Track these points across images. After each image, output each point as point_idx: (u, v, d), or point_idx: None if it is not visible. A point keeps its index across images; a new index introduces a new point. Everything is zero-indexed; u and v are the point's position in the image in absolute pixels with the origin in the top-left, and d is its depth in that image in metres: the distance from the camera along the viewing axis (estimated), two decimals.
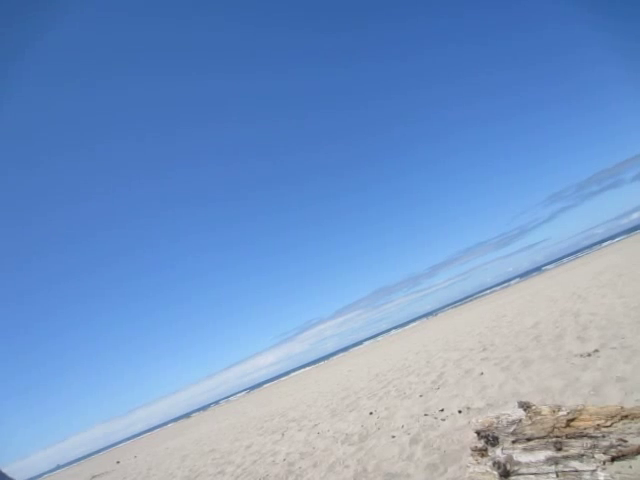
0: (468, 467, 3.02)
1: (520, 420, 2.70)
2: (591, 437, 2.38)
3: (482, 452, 2.90)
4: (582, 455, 2.38)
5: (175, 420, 72.64)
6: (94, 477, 16.44)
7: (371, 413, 6.97)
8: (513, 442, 2.70)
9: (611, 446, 2.30)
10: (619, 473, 2.23)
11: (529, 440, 2.62)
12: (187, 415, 70.14)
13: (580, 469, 2.37)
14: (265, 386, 56.37)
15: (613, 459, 2.28)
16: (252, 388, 78.06)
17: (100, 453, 56.05)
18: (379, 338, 62.25)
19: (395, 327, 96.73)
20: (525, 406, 2.75)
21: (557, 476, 2.45)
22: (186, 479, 8.07)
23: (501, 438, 2.78)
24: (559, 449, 2.47)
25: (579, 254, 67.64)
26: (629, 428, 2.29)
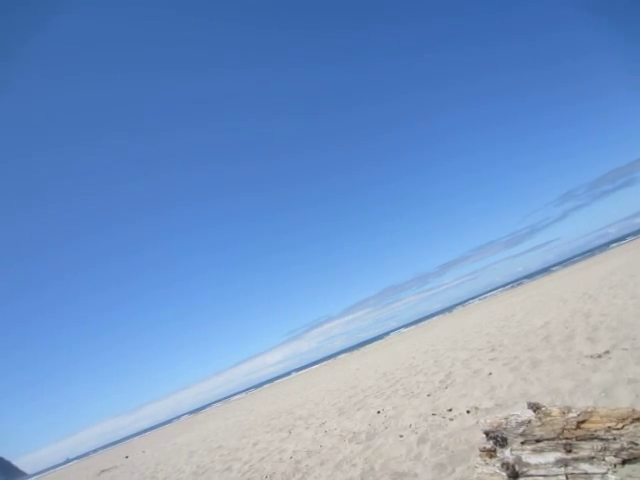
0: (476, 468, 3.00)
1: (529, 421, 2.68)
2: (602, 439, 2.35)
3: (491, 453, 2.88)
4: (592, 457, 2.35)
5: (183, 416, 73.23)
6: (103, 471, 16.62)
7: (379, 412, 6.96)
8: (522, 443, 2.68)
9: (622, 449, 2.26)
10: (630, 476, 2.20)
11: (538, 441, 2.60)
12: (195, 412, 70.66)
13: (590, 472, 2.34)
14: (272, 384, 56.55)
15: (624, 462, 2.25)
16: (259, 386, 78.37)
17: (109, 448, 56.64)
18: (387, 337, 62.12)
19: (403, 326, 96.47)
20: (534, 407, 2.73)
21: (567, 478, 2.42)
22: (194, 475, 8.12)
23: (510, 439, 2.76)
24: (569, 451, 2.44)
25: (590, 254, 66.86)
26: None
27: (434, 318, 60.27)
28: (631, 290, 9.38)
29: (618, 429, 2.31)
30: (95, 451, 69.42)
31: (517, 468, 2.66)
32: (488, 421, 2.96)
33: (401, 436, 5.24)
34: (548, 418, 2.60)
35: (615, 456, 2.27)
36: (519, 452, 2.68)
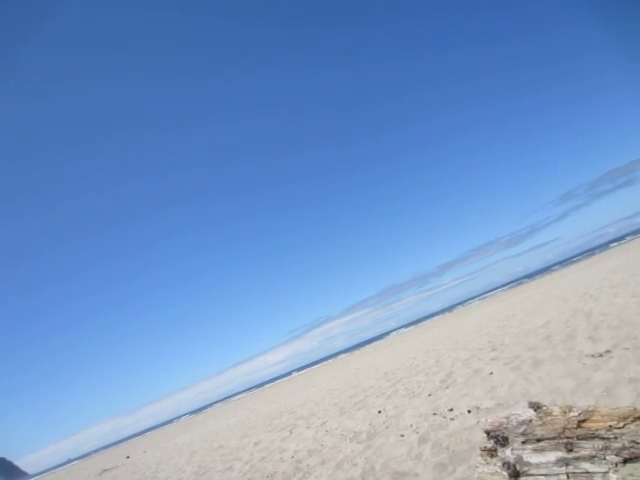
0: (477, 467, 3.00)
1: (530, 420, 2.67)
2: (603, 438, 2.34)
3: (491, 452, 2.88)
4: (593, 457, 2.35)
5: (184, 416, 73.26)
6: (104, 471, 16.63)
7: (379, 412, 6.96)
8: (523, 442, 2.67)
9: (623, 448, 2.26)
10: (631, 475, 2.20)
11: (539, 441, 2.59)
12: (196, 411, 70.69)
13: (591, 471, 2.34)
14: (273, 383, 56.54)
15: (625, 461, 2.24)
16: (260, 385, 78.35)
17: (110, 448, 56.65)
18: (387, 337, 62.11)
19: (403, 326, 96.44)
20: (535, 406, 2.72)
21: (568, 477, 2.42)
22: (195, 475, 8.13)
23: (511, 438, 2.76)
24: (570, 450, 2.44)
25: (591, 253, 66.77)
26: None
27: (434, 318, 60.24)
28: (632, 289, 9.36)
29: (619, 428, 2.30)
30: (96, 451, 69.43)
31: (518, 467, 2.65)
32: (489, 420, 2.95)
33: (402, 436, 5.24)
34: (549, 417, 2.60)
35: (616, 455, 2.27)
36: (520, 451, 2.68)
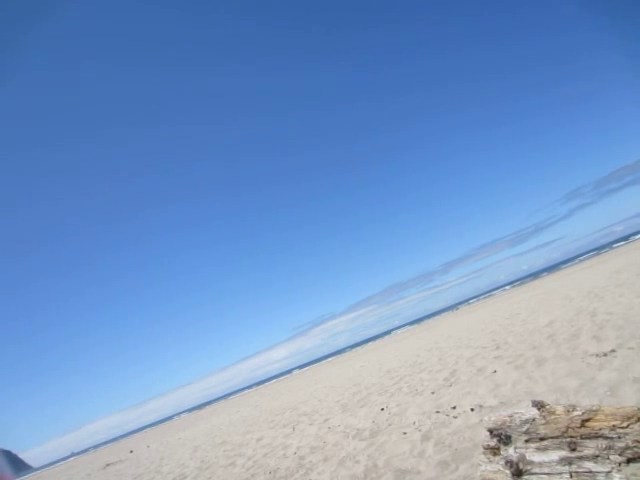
0: (480, 465, 3.00)
1: (534, 419, 2.67)
2: (606, 438, 2.34)
3: (494, 450, 2.88)
4: (597, 456, 2.34)
5: (187, 411, 73.65)
6: (108, 465, 16.75)
7: (382, 409, 6.97)
8: (526, 441, 2.67)
9: (627, 447, 2.25)
10: (635, 475, 2.19)
11: (542, 439, 2.59)
12: (199, 407, 71.05)
13: (594, 470, 2.33)
14: (276, 380, 56.71)
15: (629, 461, 2.24)
16: (264, 382, 78.60)
17: (114, 442, 57.03)
18: (391, 335, 62.10)
19: (407, 324, 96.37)
20: (539, 405, 2.72)
21: (571, 477, 2.41)
22: (198, 469, 8.18)
23: (514, 437, 2.75)
24: (573, 449, 2.43)
25: (596, 252, 66.36)
26: None
27: (438, 316, 60.14)
28: (638, 289, 9.31)
29: (623, 428, 2.29)
30: (100, 445, 69.91)
31: (521, 466, 2.65)
32: (492, 419, 2.95)
33: (405, 433, 5.25)
34: (552, 416, 2.59)
35: (620, 455, 2.26)
36: (523, 450, 2.68)
